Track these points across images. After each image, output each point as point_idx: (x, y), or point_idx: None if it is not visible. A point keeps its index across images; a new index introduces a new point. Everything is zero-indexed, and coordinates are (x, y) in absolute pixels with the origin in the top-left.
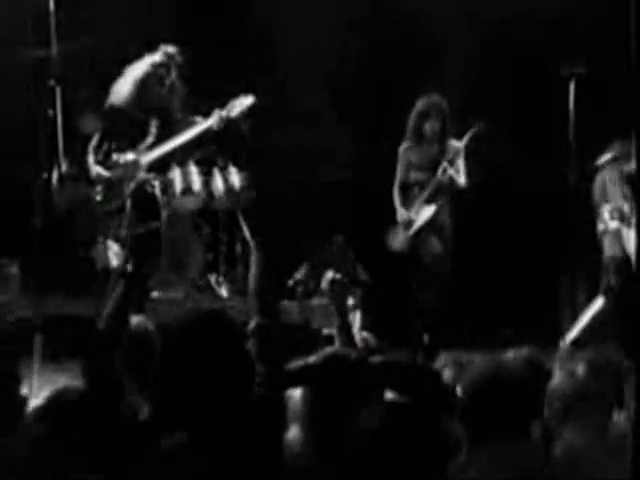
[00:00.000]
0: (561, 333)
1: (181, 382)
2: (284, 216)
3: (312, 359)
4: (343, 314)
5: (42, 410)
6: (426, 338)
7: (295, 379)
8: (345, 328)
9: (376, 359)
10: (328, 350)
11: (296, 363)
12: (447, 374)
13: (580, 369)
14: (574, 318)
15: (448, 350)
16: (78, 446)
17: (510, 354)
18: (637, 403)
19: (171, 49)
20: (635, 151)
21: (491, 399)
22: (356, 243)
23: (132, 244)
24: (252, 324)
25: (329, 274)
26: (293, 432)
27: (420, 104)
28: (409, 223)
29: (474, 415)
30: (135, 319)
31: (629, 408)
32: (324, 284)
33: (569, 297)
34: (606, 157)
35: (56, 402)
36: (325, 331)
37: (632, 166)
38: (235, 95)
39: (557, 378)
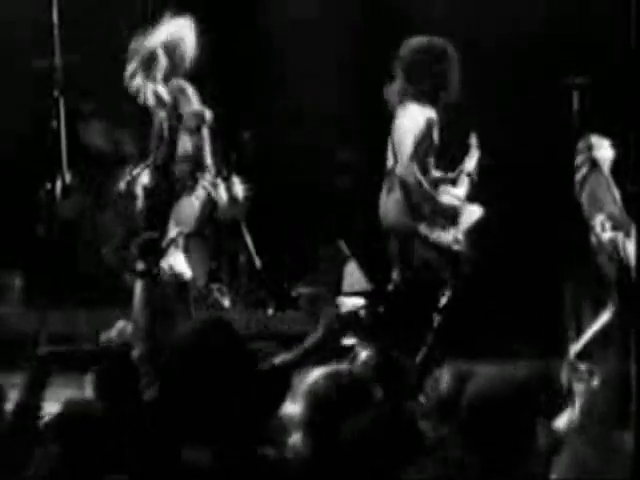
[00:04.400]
0: (566, 345)
1: (190, 388)
2: (287, 224)
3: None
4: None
5: (54, 423)
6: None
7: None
8: (330, 339)
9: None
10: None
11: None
12: (449, 385)
13: (590, 384)
14: (579, 329)
15: (452, 360)
16: (91, 458)
17: (519, 367)
18: (637, 404)
19: None
20: (635, 152)
21: (496, 412)
22: (359, 249)
23: None
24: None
25: (303, 289)
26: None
27: None
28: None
29: (477, 428)
30: (122, 324)
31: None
32: (301, 299)
33: (574, 308)
34: (584, 167)
35: (68, 415)
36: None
37: (606, 152)
38: None
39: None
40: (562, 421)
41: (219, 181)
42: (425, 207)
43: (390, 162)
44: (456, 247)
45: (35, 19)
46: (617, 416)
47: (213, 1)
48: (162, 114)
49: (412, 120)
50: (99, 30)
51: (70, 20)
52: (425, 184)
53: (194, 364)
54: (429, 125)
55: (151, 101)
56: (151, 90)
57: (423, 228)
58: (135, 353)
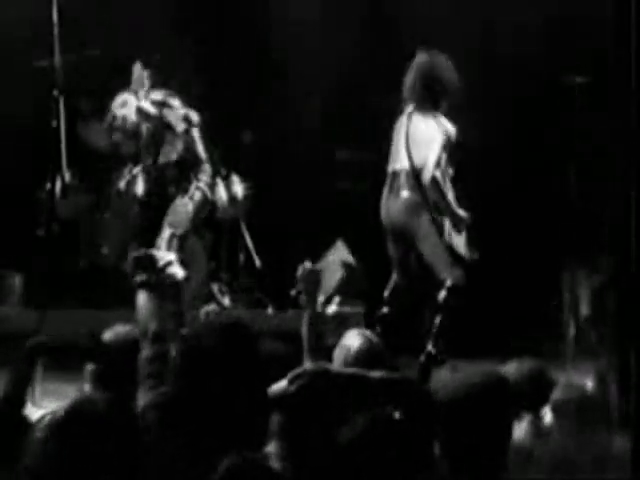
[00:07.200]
0: (564, 343)
1: (205, 388)
2: (286, 224)
3: (287, 385)
4: (313, 305)
5: (60, 421)
6: (431, 347)
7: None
8: (315, 321)
9: (375, 374)
10: (303, 370)
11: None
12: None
13: (587, 382)
14: (578, 327)
15: (452, 360)
16: (97, 457)
17: (513, 365)
18: (636, 403)
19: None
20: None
21: (467, 408)
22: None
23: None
24: None
25: (306, 264)
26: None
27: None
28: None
29: (451, 424)
30: (122, 328)
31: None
32: (299, 272)
33: (573, 307)
34: None
35: (74, 412)
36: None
37: None
38: None
39: (562, 389)
40: (548, 417)
41: (218, 181)
42: (443, 211)
43: (402, 163)
44: (467, 253)
45: (35, 19)
46: (608, 415)
47: (213, 1)
48: (149, 125)
49: (441, 128)
50: (99, 30)
51: (70, 20)
52: (446, 193)
53: (212, 365)
54: (450, 139)
55: (135, 116)
56: (135, 106)
57: (437, 228)
58: (143, 354)
